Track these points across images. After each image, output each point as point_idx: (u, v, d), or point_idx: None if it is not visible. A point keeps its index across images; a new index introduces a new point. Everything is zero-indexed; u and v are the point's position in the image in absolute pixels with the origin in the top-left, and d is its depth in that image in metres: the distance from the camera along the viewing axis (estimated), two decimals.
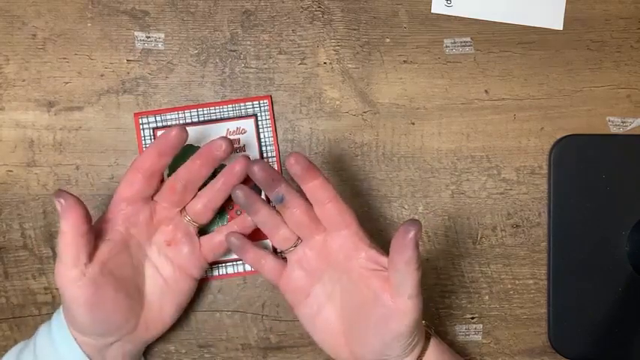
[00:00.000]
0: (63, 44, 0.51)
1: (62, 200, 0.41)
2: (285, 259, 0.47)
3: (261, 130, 0.51)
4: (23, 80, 0.51)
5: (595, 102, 0.52)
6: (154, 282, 0.46)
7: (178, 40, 0.51)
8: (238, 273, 0.51)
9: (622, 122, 0.52)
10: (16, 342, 0.51)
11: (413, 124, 0.52)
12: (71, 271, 0.42)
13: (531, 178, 0.52)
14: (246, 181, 0.46)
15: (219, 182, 0.46)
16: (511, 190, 0.52)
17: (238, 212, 0.50)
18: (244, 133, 0.51)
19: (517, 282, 0.52)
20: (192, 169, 0.45)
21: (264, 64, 0.52)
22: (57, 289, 0.48)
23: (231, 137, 0.51)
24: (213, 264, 0.51)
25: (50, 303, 0.51)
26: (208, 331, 0.52)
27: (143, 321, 0.46)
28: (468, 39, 0.52)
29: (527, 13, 0.52)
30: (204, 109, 0.51)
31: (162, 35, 0.51)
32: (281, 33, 0.52)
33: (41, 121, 0.51)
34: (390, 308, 0.42)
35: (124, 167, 0.51)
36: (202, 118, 0.51)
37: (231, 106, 0.51)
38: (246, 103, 0.51)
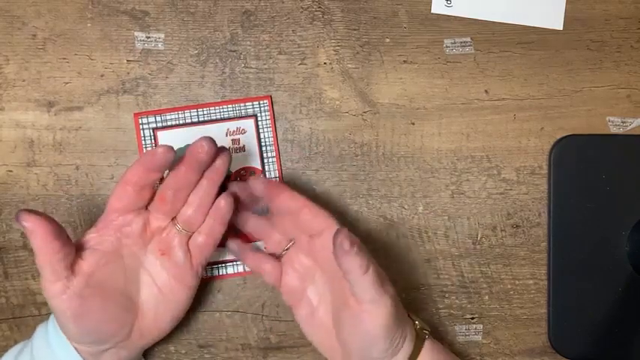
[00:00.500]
0: (63, 44, 0.51)
1: (24, 223, 0.39)
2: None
3: (261, 130, 0.51)
4: (23, 80, 0.51)
5: (595, 102, 0.52)
6: (148, 291, 0.45)
7: (178, 40, 0.51)
8: (238, 273, 0.51)
9: (622, 122, 0.52)
10: (16, 342, 0.51)
11: (413, 124, 0.52)
12: (54, 286, 0.41)
13: (531, 178, 0.52)
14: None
15: (204, 184, 0.44)
16: (511, 190, 0.52)
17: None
18: (244, 133, 0.51)
19: (517, 282, 0.52)
20: (179, 175, 0.43)
21: (264, 64, 0.52)
22: None
23: (231, 137, 0.51)
24: (213, 264, 0.51)
25: None
26: (208, 331, 0.52)
27: (137, 329, 0.45)
28: (468, 39, 0.52)
29: (527, 13, 0.52)
30: (204, 109, 0.51)
31: (162, 35, 0.51)
32: (281, 33, 0.52)
33: (41, 121, 0.51)
34: (358, 312, 0.42)
35: (124, 167, 0.51)
36: (202, 118, 0.51)
37: (231, 106, 0.51)
38: (246, 103, 0.51)
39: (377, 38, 0.52)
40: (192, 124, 0.51)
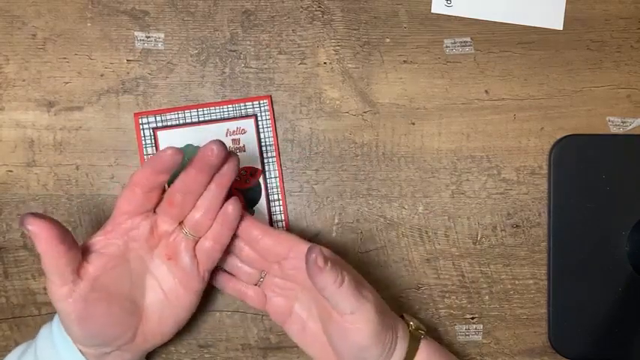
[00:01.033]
0: (63, 44, 0.51)
1: (29, 227, 0.39)
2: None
3: (261, 130, 0.51)
4: (23, 80, 0.51)
5: (595, 102, 0.52)
6: (154, 295, 0.45)
7: (178, 40, 0.51)
8: None
9: (622, 122, 0.52)
10: (16, 342, 0.51)
11: (413, 124, 0.52)
12: (60, 289, 0.41)
13: (531, 178, 0.52)
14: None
15: (212, 188, 0.44)
16: (511, 190, 0.52)
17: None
18: (244, 133, 0.51)
19: (517, 282, 0.52)
20: (188, 179, 0.43)
21: (264, 64, 0.52)
22: None
23: (231, 137, 0.51)
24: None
25: (50, 303, 0.51)
26: (208, 331, 0.52)
27: (141, 333, 0.45)
28: (468, 39, 0.52)
29: (527, 13, 0.52)
30: (204, 109, 0.51)
31: (162, 35, 0.51)
32: (281, 33, 0.52)
33: (41, 121, 0.51)
34: (342, 325, 0.42)
35: (124, 167, 0.51)
36: (202, 118, 0.51)
37: (231, 106, 0.51)
38: (246, 103, 0.51)
39: (377, 38, 0.52)
40: (192, 124, 0.51)
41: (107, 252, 0.43)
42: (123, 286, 0.44)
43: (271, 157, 0.51)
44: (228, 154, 0.43)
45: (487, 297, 0.52)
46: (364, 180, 0.52)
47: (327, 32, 0.52)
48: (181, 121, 0.51)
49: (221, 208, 0.44)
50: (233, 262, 0.48)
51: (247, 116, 0.51)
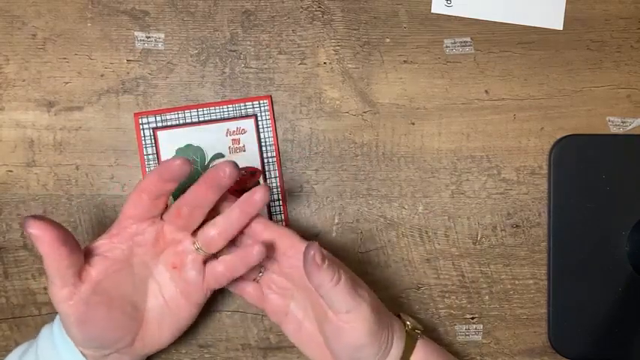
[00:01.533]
0: (63, 44, 0.51)
1: (31, 230, 0.39)
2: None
3: (261, 130, 0.51)
4: (23, 80, 0.51)
5: (595, 102, 0.52)
6: (155, 301, 0.45)
7: (178, 40, 0.51)
8: None
9: (622, 122, 0.52)
10: (16, 342, 0.51)
11: (413, 124, 0.52)
12: (61, 291, 0.41)
13: (531, 178, 0.52)
14: (230, 190, 0.45)
15: (235, 212, 0.43)
16: (511, 190, 0.52)
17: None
18: (244, 133, 0.51)
19: (517, 282, 0.52)
20: (198, 194, 0.43)
21: (264, 64, 0.52)
22: None
23: (231, 137, 0.51)
24: None
25: (50, 303, 0.51)
26: (208, 331, 0.52)
27: (140, 338, 0.45)
28: (468, 39, 0.52)
29: (527, 13, 0.52)
30: (204, 109, 0.51)
31: (162, 35, 0.51)
32: (281, 33, 0.52)
33: (41, 121, 0.51)
34: (337, 324, 0.42)
35: (124, 167, 0.51)
36: (202, 118, 0.51)
37: (231, 106, 0.51)
38: (246, 103, 0.51)
39: (377, 38, 0.52)
40: (192, 124, 0.51)
41: (111, 256, 0.43)
42: (125, 291, 0.44)
43: (271, 157, 0.51)
44: (262, 188, 0.43)
45: (487, 297, 0.52)
46: (364, 180, 0.52)
47: (327, 32, 0.52)
48: (181, 121, 0.51)
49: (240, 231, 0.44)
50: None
51: (247, 116, 0.51)
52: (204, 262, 0.45)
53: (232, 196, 0.45)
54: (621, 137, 0.52)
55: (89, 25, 0.51)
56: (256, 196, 0.43)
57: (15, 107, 0.51)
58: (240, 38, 0.52)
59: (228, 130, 0.51)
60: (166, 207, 0.44)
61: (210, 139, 0.51)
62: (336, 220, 0.52)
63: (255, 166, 0.51)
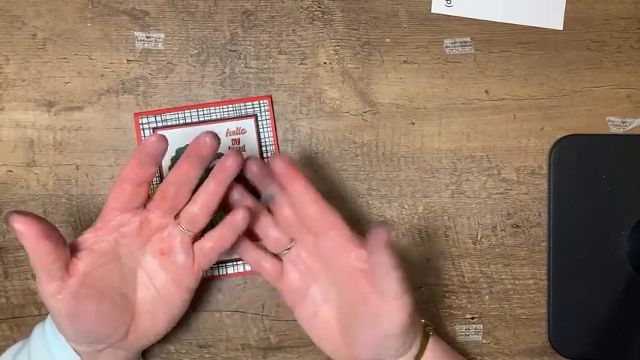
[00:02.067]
0: (63, 44, 0.51)
1: (15, 225, 0.38)
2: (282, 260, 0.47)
3: (261, 130, 0.51)
4: (23, 80, 0.51)
5: (595, 102, 0.52)
6: (146, 292, 0.45)
7: (178, 40, 0.51)
8: (238, 273, 0.51)
9: (622, 122, 0.52)
10: (15, 342, 0.51)
11: (413, 124, 0.52)
12: (49, 286, 0.41)
13: (531, 178, 0.52)
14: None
15: (211, 182, 0.43)
16: (511, 190, 0.52)
17: None
18: (244, 133, 0.51)
19: (517, 282, 0.52)
20: (181, 171, 0.42)
21: (264, 64, 0.52)
22: None
23: (231, 137, 0.51)
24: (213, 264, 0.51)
25: None
26: (208, 331, 0.52)
27: (133, 330, 0.44)
28: (468, 39, 0.52)
29: (527, 13, 0.52)
30: (204, 109, 0.51)
31: (162, 35, 0.51)
32: (281, 33, 0.52)
33: (41, 121, 0.51)
34: (379, 308, 0.42)
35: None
36: (202, 118, 0.51)
37: (231, 106, 0.51)
38: (246, 103, 0.51)
39: (377, 38, 0.52)
40: (192, 124, 0.51)
41: (97, 248, 0.43)
42: (113, 283, 0.44)
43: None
44: (233, 155, 0.43)
45: (487, 297, 0.52)
46: (364, 180, 0.52)
47: (327, 32, 0.52)
48: (181, 121, 0.51)
49: (220, 204, 0.44)
50: (266, 223, 0.46)
51: (247, 116, 0.51)
52: (192, 243, 0.45)
53: (239, 185, 0.45)
54: (621, 137, 0.52)
55: (89, 25, 0.51)
56: (228, 162, 0.43)
57: (15, 107, 0.51)
58: (240, 38, 0.52)
59: (228, 130, 0.51)
60: (149, 198, 0.44)
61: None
62: None
63: None
